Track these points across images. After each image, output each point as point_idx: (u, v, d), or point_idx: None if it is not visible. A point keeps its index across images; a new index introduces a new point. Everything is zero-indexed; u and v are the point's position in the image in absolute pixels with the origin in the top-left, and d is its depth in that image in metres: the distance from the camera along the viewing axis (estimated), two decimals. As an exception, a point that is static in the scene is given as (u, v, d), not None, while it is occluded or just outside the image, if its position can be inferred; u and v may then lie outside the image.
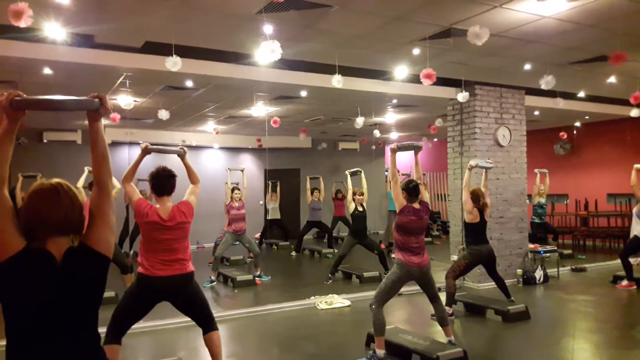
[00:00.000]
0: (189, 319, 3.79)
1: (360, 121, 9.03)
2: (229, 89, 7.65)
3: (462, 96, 7.13)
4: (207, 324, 3.68)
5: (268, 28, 4.92)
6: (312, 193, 11.37)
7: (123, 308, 3.60)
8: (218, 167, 13.75)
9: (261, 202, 13.55)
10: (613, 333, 5.45)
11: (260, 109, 9.00)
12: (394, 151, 4.69)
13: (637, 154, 11.22)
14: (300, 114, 10.42)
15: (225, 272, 8.28)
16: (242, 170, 9.32)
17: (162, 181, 3.69)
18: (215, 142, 13.48)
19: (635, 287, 7.41)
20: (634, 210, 7.51)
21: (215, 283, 7.90)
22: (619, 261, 7.69)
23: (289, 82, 6.74)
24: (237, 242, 8.31)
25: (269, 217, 12.38)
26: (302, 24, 5.16)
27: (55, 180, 1.86)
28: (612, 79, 7.54)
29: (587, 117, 11.13)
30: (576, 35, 5.61)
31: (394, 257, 4.59)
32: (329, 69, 6.40)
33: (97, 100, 1.79)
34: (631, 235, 7.52)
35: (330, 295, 6.78)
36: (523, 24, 5.20)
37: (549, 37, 5.68)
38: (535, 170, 10.14)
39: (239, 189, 8.53)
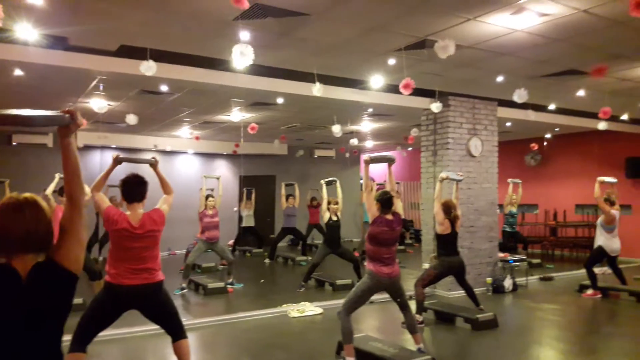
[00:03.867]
0: (158, 326, 3.73)
1: (337, 129, 9.08)
2: (204, 94, 7.62)
3: (436, 106, 7.25)
4: (176, 332, 3.64)
5: (245, 34, 4.93)
6: (287, 199, 11.35)
7: (90, 316, 3.52)
8: (192, 172, 13.64)
9: (235, 209, 13.47)
10: (578, 341, 5.58)
11: (236, 115, 8.98)
12: (367, 163, 4.73)
13: (603, 166, 11.56)
14: (277, 121, 10.42)
15: (197, 279, 8.19)
16: (217, 178, 9.25)
17: (133, 188, 3.64)
18: (190, 147, 13.37)
19: (600, 295, 7.60)
20: (598, 221, 7.72)
21: (186, 290, 7.80)
22: (584, 270, 7.88)
23: (266, 89, 6.74)
24: (210, 250, 8.23)
25: (243, 225, 12.31)
26: (280, 32, 5.18)
27: (26, 195, 1.81)
28: (582, 93, 7.76)
29: (557, 129, 11.41)
30: (547, 49, 5.75)
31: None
32: (305, 77, 6.44)
33: (67, 115, 1.75)
34: (595, 246, 7.72)
35: (302, 303, 6.76)
36: (496, 36, 5.32)
37: (521, 50, 5.81)
38: (509, 180, 10.34)
39: (213, 197, 8.46)
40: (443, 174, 6.28)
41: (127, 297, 3.49)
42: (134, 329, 5.43)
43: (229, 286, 7.93)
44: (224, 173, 14.16)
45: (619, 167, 11.39)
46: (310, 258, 10.08)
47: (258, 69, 6.23)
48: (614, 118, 9.53)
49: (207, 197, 8.38)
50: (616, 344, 5.47)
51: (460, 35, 5.10)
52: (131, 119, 8.01)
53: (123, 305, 3.54)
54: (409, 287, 6.44)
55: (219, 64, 6.04)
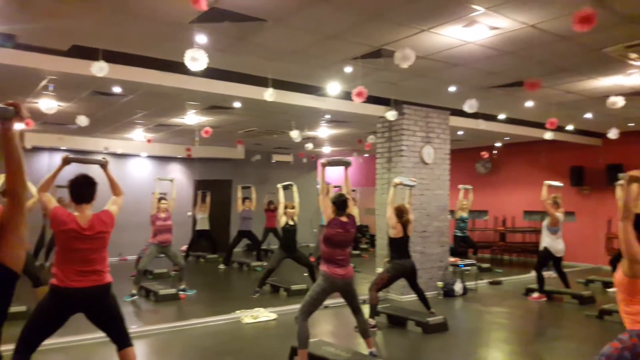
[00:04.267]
0: (104, 334, 3.63)
1: (296, 135, 9.11)
2: (159, 97, 7.49)
3: (391, 114, 7.39)
4: (121, 339, 3.55)
5: (202, 38, 4.89)
6: (243, 202, 11.27)
7: (34, 322, 3.39)
8: (145, 176, 13.35)
9: (189, 213, 13.27)
10: (524, 343, 5.78)
11: (191, 118, 8.86)
12: (324, 165, 4.79)
13: (550, 174, 12.06)
14: (234, 125, 10.35)
15: (148, 285, 8.01)
16: (171, 181, 9.09)
17: (82, 188, 3.54)
18: (142, 150, 13.08)
19: (545, 299, 7.92)
20: (544, 223, 8.05)
21: (136, 297, 7.61)
22: (532, 274, 8.20)
23: (222, 93, 6.70)
24: (162, 255, 8.07)
25: (197, 228, 12.13)
26: (236, 36, 5.17)
27: None
28: (530, 103, 8.09)
29: (506, 138, 11.82)
30: (497, 61, 5.98)
31: None
32: (263, 82, 6.44)
33: (11, 108, 1.70)
34: (541, 247, 8.04)
35: (256, 309, 6.72)
36: (449, 48, 5.48)
37: (473, 62, 6.01)
38: (460, 186, 10.63)
39: (166, 199, 8.31)
40: (396, 180, 6.42)
41: (73, 300, 3.39)
42: (79, 337, 5.26)
43: (181, 292, 7.79)
44: (178, 177, 13.93)
45: (564, 176, 11.90)
46: (265, 263, 10.02)
47: (214, 73, 6.19)
48: (559, 128, 9.95)
49: (159, 199, 8.22)
50: (561, 346, 5.70)
51: (414, 46, 5.23)
52: (82, 121, 7.78)
53: (69, 309, 3.43)
54: (364, 291, 6.53)
55: (174, 66, 5.96)
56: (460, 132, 10.37)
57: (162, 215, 8.04)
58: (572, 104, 8.22)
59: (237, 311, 6.66)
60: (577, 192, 12.09)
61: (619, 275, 3.25)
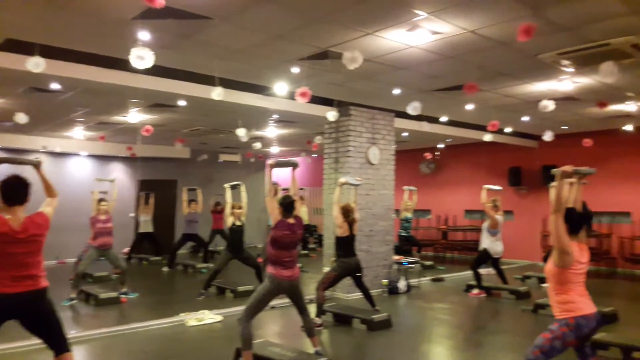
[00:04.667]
0: (41, 341, 3.48)
1: (242, 134, 9.02)
2: (100, 94, 7.24)
3: (332, 115, 7.49)
4: (59, 345, 3.41)
5: (145, 34, 4.77)
6: (189, 204, 11.06)
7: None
8: (85, 176, 12.87)
9: (132, 215, 12.88)
10: (465, 337, 6.00)
11: (134, 116, 8.61)
12: (271, 167, 4.78)
13: (490, 174, 12.56)
14: (179, 124, 10.15)
15: (88, 289, 7.73)
16: (112, 181, 8.79)
17: (14, 189, 3.38)
18: (82, 149, 12.60)
19: (484, 294, 8.23)
20: (483, 225, 8.38)
21: (75, 301, 7.33)
22: (471, 271, 8.50)
23: (166, 91, 6.55)
24: (102, 258, 7.80)
25: (140, 231, 11.80)
26: (181, 34, 5.08)
27: None
28: (470, 106, 8.37)
29: (449, 140, 12.19)
30: (439, 65, 6.16)
31: None
32: (208, 80, 6.35)
33: None
34: (480, 248, 8.36)
35: (201, 311, 6.62)
36: (393, 51, 5.60)
37: (416, 65, 6.17)
38: (404, 188, 10.88)
39: (106, 201, 8.03)
40: (342, 179, 6.51)
41: (8, 306, 3.23)
42: (14, 344, 5.02)
43: (122, 296, 7.56)
44: (120, 177, 13.51)
45: (503, 176, 12.42)
46: (211, 265, 9.88)
47: (158, 70, 6.03)
48: (498, 131, 10.37)
49: (99, 201, 7.94)
50: (499, 339, 5.95)
51: (360, 49, 5.29)
52: (21, 118, 7.39)
53: (3, 316, 3.26)
54: (312, 291, 6.56)
55: (116, 63, 5.79)
56: (405, 134, 10.61)
57: (102, 217, 7.77)
58: (510, 107, 8.58)
59: (181, 314, 6.53)
60: (515, 192, 12.63)
61: (550, 266, 3.44)
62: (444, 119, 9.70)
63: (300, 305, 4.62)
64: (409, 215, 11.05)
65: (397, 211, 10.97)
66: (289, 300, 4.69)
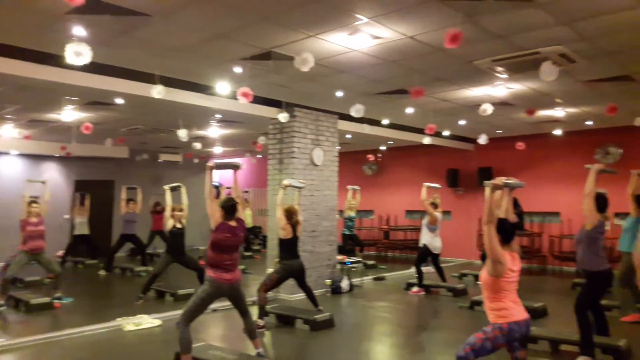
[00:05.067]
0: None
1: (183, 134, 8.83)
2: (32, 91, 6.90)
3: (283, 116, 7.47)
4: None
5: (79, 30, 4.59)
6: (127, 204, 10.70)
7: None
8: (15, 176, 12.22)
9: (67, 216, 12.33)
10: (405, 334, 6.15)
11: (69, 114, 8.25)
12: (211, 168, 4.70)
13: (429, 176, 12.91)
14: (117, 122, 9.82)
15: (18, 295, 7.33)
16: (43, 183, 8.36)
17: None
18: (13, 147, 11.93)
19: (424, 292, 8.47)
20: (424, 221, 8.63)
21: (4, 308, 6.94)
22: (413, 270, 8.73)
23: (103, 88, 6.32)
24: (34, 262, 7.42)
25: (75, 233, 11.32)
26: (119, 30, 4.93)
27: None
28: (410, 110, 8.59)
29: (390, 142, 12.46)
30: (380, 69, 6.29)
31: None
32: (148, 78, 6.18)
33: None
34: (420, 244, 8.61)
35: (139, 315, 6.43)
36: (336, 54, 5.67)
37: (358, 69, 6.27)
38: (348, 187, 11.03)
39: (37, 203, 7.65)
40: (285, 182, 6.51)
41: None
42: None
43: (55, 301, 7.23)
44: (54, 177, 12.91)
45: (441, 177, 12.81)
46: (150, 268, 9.61)
47: (95, 67, 5.83)
48: (437, 134, 10.71)
49: (30, 203, 7.55)
50: (437, 336, 6.14)
51: (303, 51, 5.33)
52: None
53: None
54: (255, 293, 6.52)
55: (49, 58, 5.53)
56: (348, 136, 10.74)
57: (34, 219, 7.40)
58: (447, 111, 8.88)
59: (119, 319, 6.32)
60: (453, 192, 13.07)
61: (484, 275, 3.58)
62: (385, 121, 9.90)
63: (241, 307, 4.59)
64: (352, 214, 11.20)
65: (341, 212, 11.11)
66: (230, 303, 4.65)
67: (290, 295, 7.87)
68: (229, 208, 4.49)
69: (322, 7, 4.34)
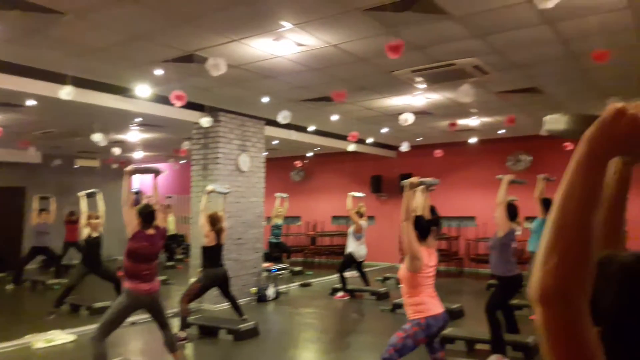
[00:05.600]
0: None
1: (99, 138, 8.40)
2: None
3: (205, 121, 7.32)
4: None
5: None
6: (39, 214, 10.04)
7: None
8: None
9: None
10: (330, 340, 6.20)
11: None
12: (129, 173, 4.51)
13: (354, 182, 13.18)
14: (29, 125, 9.19)
15: None
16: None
17: None
18: None
19: (348, 297, 8.60)
20: (349, 230, 8.77)
21: None
22: (338, 275, 8.82)
23: (12, 89, 5.90)
24: None
25: (-22, 244, 10.46)
26: (30, 27, 4.63)
27: None
28: (335, 117, 8.73)
29: (317, 149, 12.57)
30: (305, 76, 6.33)
31: None
32: (62, 79, 5.84)
33: None
34: (346, 252, 8.74)
35: (51, 331, 6.02)
36: (260, 59, 5.64)
37: (283, 75, 6.28)
38: (276, 195, 10.99)
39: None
40: (209, 187, 6.38)
41: None
42: None
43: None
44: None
45: (366, 184, 13.10)
46: (65, 281, 9.05)
47: (3, 66, 5.45)
48: (361, 141, 10.95)
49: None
50: (361, 339, 6.24)
51: (226, 55, 5.27)
52: None
53: None
54: (177, 304, 6.32)
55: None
56: (275, 142, 10.72)
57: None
58: (370, 119, 9.10)
59: (28, 335, 5.89)
60: (376, 198, 13.40)
61: (402, 271, 3.70)
62: (312, 128, 9.98)
63: (160, 320, 4.41)
64: (279, 221, 11.17)
65: (269, 218, 11.05)
66: (149, 315, 4.47)
67: (214, 305, 7.70)
68: (147, 215, 4.33)
69: (246, 12, 4.30)
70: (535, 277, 0.80)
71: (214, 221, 6.14)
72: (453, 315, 6.85)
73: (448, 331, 5.52)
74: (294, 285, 9.66)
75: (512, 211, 5.26)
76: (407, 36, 4.89)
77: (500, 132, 10.59)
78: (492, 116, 9.04)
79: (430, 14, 4.35)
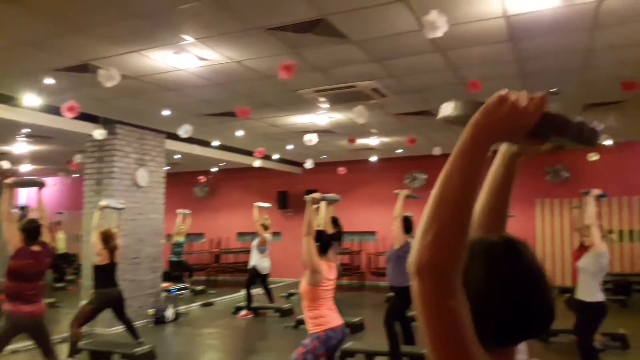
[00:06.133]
0: None
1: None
2: None
3: (99, 133, 6.97)
4: None
5: None
6: None
7: None
8: None
9: None
10: (230, 360, 6.08)
11: None
12: (10, 186, 4.17)
13: (261, 197, 13.00)
14: None
15: None
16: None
17: None
18: None
19: (252, 315, 8.49)
20: (253, 243, 8.70)
21: None
22: (242, 293, 8.71)
23: None
24: None
25: None
26: None
27: None
28: (240, 133, 8.67)
29: (222, 164, 12.39)
30: (209, 91, 6.25)
31: None
32: None
33: None
34: (249, 266, 8.66)
35: None
36: (161, 72, 5.49)
37: (186, 89, 6.15)
38: (178, 211, 10.63)
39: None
40: (103, 202, 6.05)
41: None
42: None
43: None
44: None
45: (272, 199, 13.07)
46: None
47: None
48: (267, 157, 10.97)
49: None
50: (263, 357, 6.19)
51: (125, 65, 5.08)
52: None
53: None
54: (67, 329, 5.87)
55: None
56: (177, 156, 10.42)
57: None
58: (276, 135, 9.15)
59: None
60: (282, 214, 13.44)
61: (303, 285, 3.74)
62: (216, 143, 9.83)
63: (45, 345, 4.09)
64: (181, 239, 10.79)
65: (169, 236, 10.66)
66: (32, 341, 4.12)
67: (107, 328, 7.24)
68: (31, 230, 4.02)
69: (146, 24, 4.18)
70: (413, 251, 0.84)
71: (107, 238, 5.81)
72: (354, 328, 7.02)
73: (348, 345, 5.62)
74: (195, 305, 9.36)
75: (407, 224, 5.52)
76: (310, 57, 5.02)
77: (398, 151, 11.11)
78: (390, 136, 9.46)
79: (331, 37, 4.49)
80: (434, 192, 0.85)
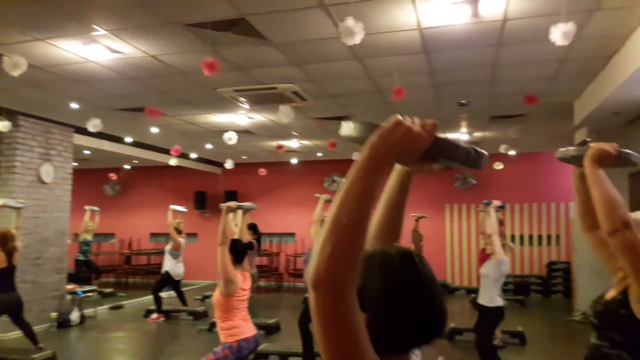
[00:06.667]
0: None
1: None
2: None
3: (4, 125, 6.46)
4: None
5: None
6: None
7: None
8: None
9: None
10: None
11: None
12: None
13: (177, 198, 12.73)
14: None
15: None
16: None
17: None
18: None
19: (164, 318, 8.22)
20: (167, 248, 8.43)
21: None
22: (152, 295, 8.40)
23: None
24: None
25: None
26: None
27: None
28: (155, 129, 8.38)
29: (135, 161, 11.90)
30: (121, 84, 5.96)
31: None
32: None
33: None
34: (163, 271, 8.38)
35: None
36: (69, 63, 5.18)
37: (96, 81, 5.84)
38: (86, 207, 10.08)
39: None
40: (0, 201, 5.61)
41: None
42: None
43: None
44: None
45: (189, 200, 12.77)
46: None
47: None
48: (184, 156, 10.68)
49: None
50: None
51: (28, 54, 4.73)
52: None
53: None
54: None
55: None
56: (87, 152, 9.88)
57: None
58: (193, 134, 8.94)
59: None
60: (200, 215, 13.14)
61: (216, 295, 3.67)
62: (128, 139, 9.43)
63: None
64: (89, 237, 10.22)
65: (76, 235, 10.08)
66: None
67: (4, 333, 6.73)
68: None
69: (53, 11, 3.93)
70: (311, 264, 0.86)
71: (4, 240, 5.40)
72: (269, 330, 7.02)
73: (263, 347, 5.60)
74: (103, 308, 8.91)
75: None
76: (229, 56, 4.95)
77: (318, 154, 11.24)
78: (310, 140, 9.55)
79: (251, 38, 4.46)
80: (333, 209, 0.88)
